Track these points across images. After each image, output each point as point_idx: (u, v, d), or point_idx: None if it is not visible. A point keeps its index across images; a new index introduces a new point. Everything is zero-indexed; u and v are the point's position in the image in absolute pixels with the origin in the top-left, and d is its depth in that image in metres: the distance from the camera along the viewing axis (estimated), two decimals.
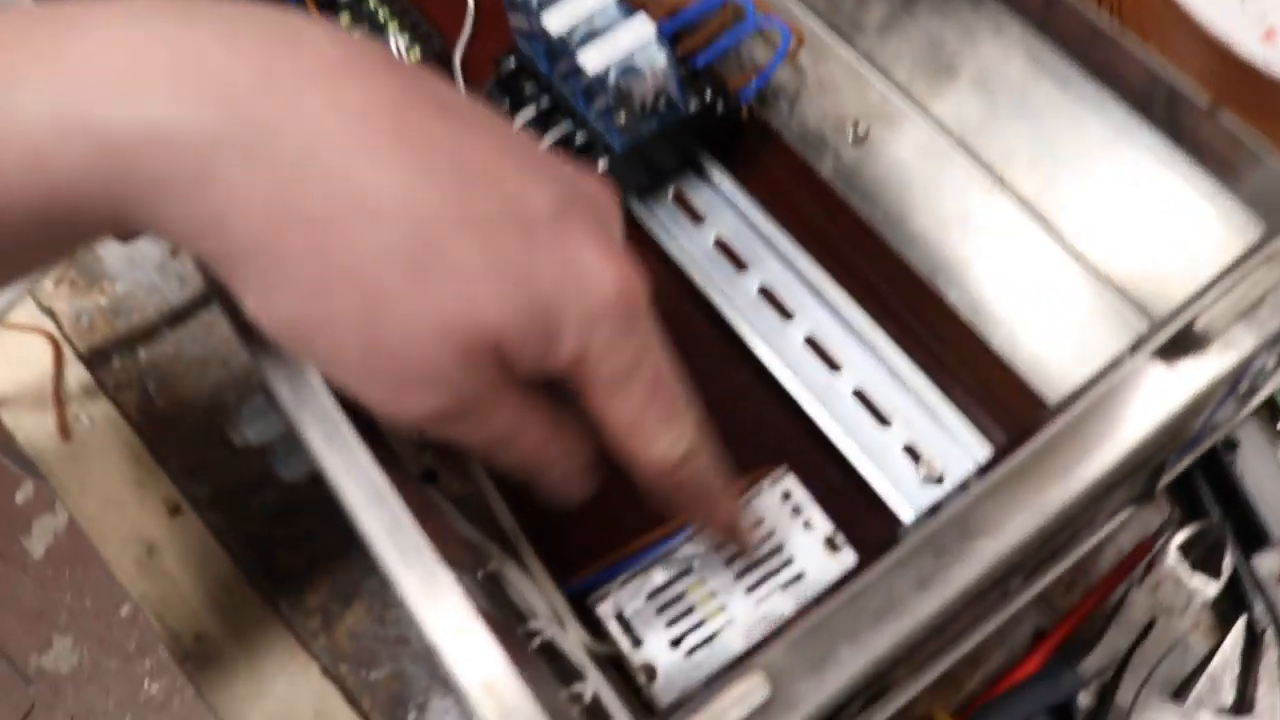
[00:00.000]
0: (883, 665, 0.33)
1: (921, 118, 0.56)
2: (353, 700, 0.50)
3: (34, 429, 0.59)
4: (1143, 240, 0.50)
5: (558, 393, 0.35)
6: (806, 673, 0.32)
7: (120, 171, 0.28)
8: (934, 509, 0.34)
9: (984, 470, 0.35)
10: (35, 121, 0.28)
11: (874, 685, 0.36)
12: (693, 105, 0.52)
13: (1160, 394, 0.34)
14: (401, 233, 0.30)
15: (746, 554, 0.44)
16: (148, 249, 0.61)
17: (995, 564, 0.33)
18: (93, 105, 0.28)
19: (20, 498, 1.55)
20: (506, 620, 0.44)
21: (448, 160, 0.31)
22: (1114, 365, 0.35)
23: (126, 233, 0.31)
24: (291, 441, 0.46)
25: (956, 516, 0.33)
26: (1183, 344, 0.35)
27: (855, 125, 0.57)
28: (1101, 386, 0.34)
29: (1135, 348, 0.35)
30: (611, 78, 0.49)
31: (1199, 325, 0.34)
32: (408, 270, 0.30)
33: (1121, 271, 0.50)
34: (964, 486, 0.35)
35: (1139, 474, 0.43)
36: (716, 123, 0.54)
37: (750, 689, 0.31)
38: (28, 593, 1.50)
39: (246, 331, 0.37)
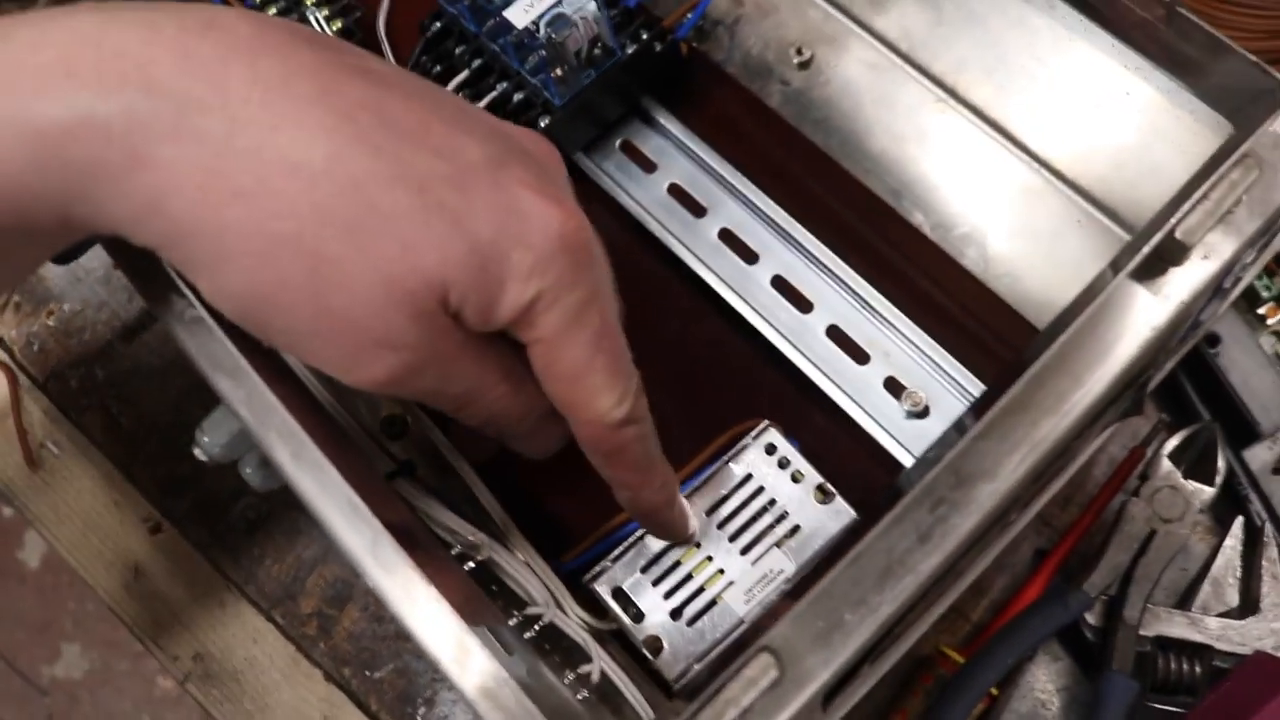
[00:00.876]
0: (890, 625, 0.32)
1: (865, 35, 0.54)
2: (359, 703, 0.49)
3: (0, 461, 0.57)
4: (1105, 143, 0.48)
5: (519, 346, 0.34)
6: (814, 645, 0.31)
7: (58, 163, 0.29)
8: (927, 456, 0.33)
9: (976, 407, 0.34)
10: None
11: (883, 642, 0.35)
12: (629, 48, 0.50)
13: (1145, 312, 0.33)
14: (334, 194, 0.30)
15: (680, 539, 0.42)
16: (90, 264, 0.59)
17: (995, 507, 0.32)
18: (26, 103, 0.28)
19: (8, 511, 1.53)
20: (502, 609, 0.43)
21: (374, 119, 0.31)
22: (1094, 288, 0.34)
23: (74, 233, 0.31)
24: (259, 455, 0.45)
25: (950, 464, 0.32)
26: (1163, 258, 0.34)
27: (799, 49, 0.55)
28: (1084, 314, 0.33)
29: (1114, 267, 0.34)
30: (541, 30, 0.48)
31: (1178, 235, 0.33)
32: (346, 231, 0.30)
33: (1087, 177, 0.49)
34: (960, 427, 0.34)
35: (1129, 390, 0.42)
36: (656, 63, 0.52)
37: (758, 672, 0.30)
38: (30, 605, 1.49)
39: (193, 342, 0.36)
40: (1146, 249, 0.33)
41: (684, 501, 0.42)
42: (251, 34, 0.31)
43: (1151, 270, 0.34)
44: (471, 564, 0.43)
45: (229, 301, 0.32)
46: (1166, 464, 0.47)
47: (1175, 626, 0.45)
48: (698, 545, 0.43)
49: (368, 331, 0.31)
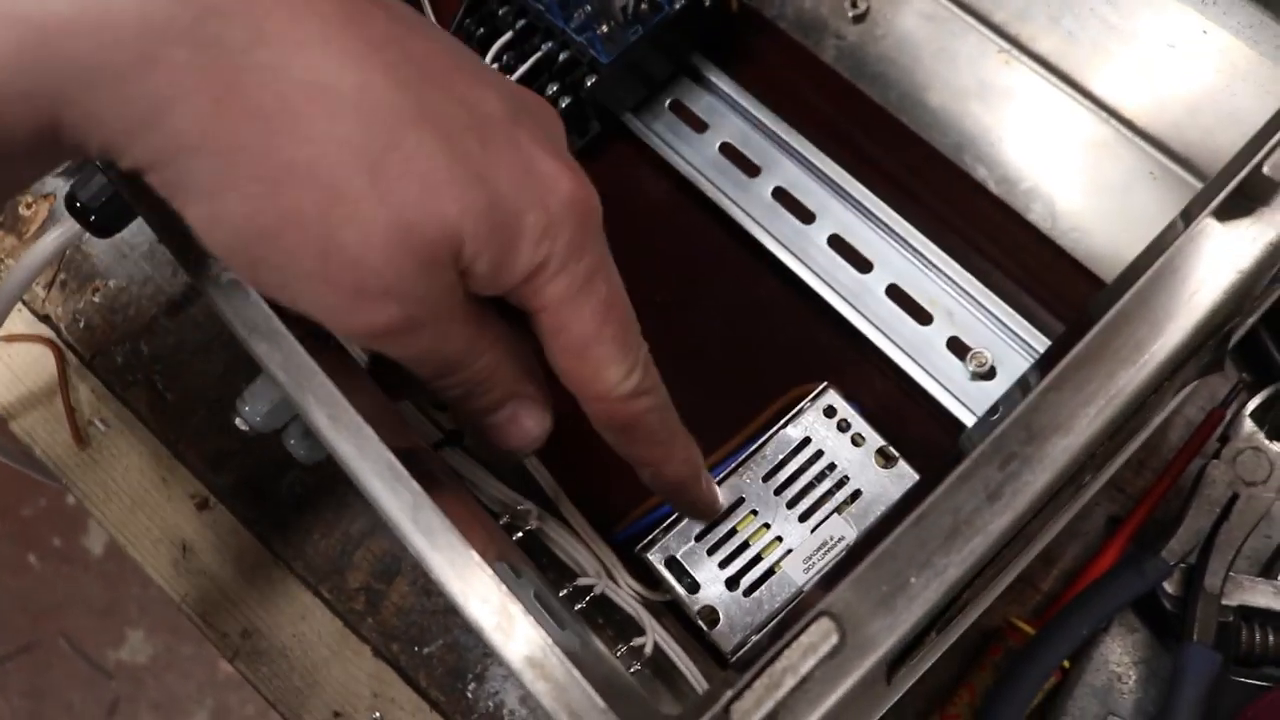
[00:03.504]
0: (957, 590, 0.30)
1: None
2: (408, 678, 0.48)
3: (49, 439, 0.57)
4: (1179, 88, 0.46)
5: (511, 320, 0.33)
6: (876, 610, 0.29)
7: (53, 62, 0.26)
8: (994, 411, 0.31)
9: (1043, 361, 0.32)
10: None
11: (949, 610, 0.34)
12: (678, 2, 0.49)
13: (1230, 254, 0.31)
14: (359, 127, 0.28)
15: (708, 516, 0.41)
16: (134, 239, 0.58)
17: (1069, 463, 0.30)
18: None
19: (71, 499, 1.55)
20: (553, 581, 0.42)
21: (400, 54, 0.29)
22: (1171, 230, 0.32)
23: (51, 150, 0.28)
24: (303, 425, 0.44)
25: (1019, 417, 0.30)
26: (1248, 196, 0.31)
27: (854, 1, 0.53)
28: (1162, 257, 0.31)
29: (1194, 207, 0.32)
30: None
31: (1265, 171, 0.31)
32: (368, 167, 0.28)
33: (1160, 125, 0.47)
34: (1024, 384, 0.32)
35: (1209, 343, 0.40)
36: (705, 18, 0.50)
37: (818, 638, 0.28)
38: (95, 590, 1.50)
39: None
40: (1231, 185, 0.31)
41: (709, 475, 0.40)
42: None
43: (1236, 209, 0.31)
44: (520, 534, 0.42)
45: (224, 232, 0.29)
46: (1249, 425, 0.44)
47: (1259, 595, 0.43)
48: (755, 513, 0.41)
49: (375, 277, 0.29)
